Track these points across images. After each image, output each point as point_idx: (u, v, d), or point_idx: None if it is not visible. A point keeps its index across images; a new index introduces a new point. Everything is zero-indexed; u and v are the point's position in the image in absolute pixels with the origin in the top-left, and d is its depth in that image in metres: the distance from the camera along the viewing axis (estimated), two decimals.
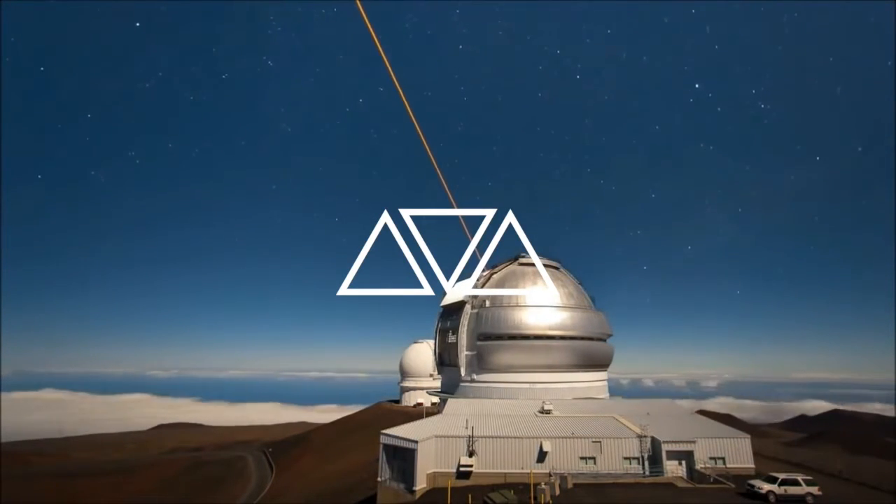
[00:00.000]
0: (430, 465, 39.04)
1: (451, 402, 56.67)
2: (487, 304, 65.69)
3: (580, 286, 71.38)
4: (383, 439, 41.10)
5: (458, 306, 68.11)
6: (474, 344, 64.23)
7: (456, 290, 69.03)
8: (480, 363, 63.53)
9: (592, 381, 64.07)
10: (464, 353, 65.38)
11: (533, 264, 68.82)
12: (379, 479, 40.48)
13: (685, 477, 39.83)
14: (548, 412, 50.33)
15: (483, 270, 69.37)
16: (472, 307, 66.64)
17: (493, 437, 40.85)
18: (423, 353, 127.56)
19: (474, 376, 64.16)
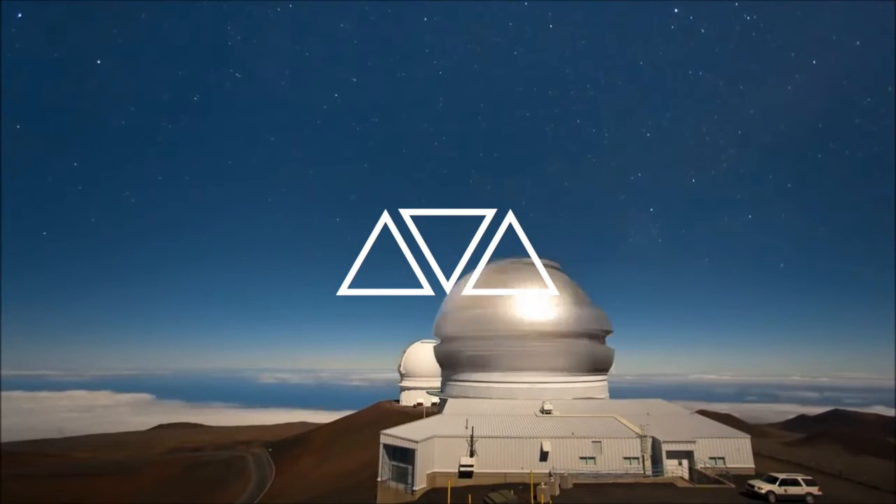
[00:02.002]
0: (430, 465, 39.04)
1: (451, 402, 56.68)
2: (481, 304, 65.65)
3: (580, 286, 71.37)
4: (383, 439, 41.10)
5: (453, 310, 68.13)
6: (469, 345, 64.29)
7: (454, 295, 69.23)
8: (477, 364, 63.54)
9: (591, 381, 64.06)
10: (460, 354, 65.42)
11: (526, 264, 68.89)
12: (379, 479, 40.47)
13: (685, 477, 39.83)
14: (548, 412, 50.33)
15: (482, 270, 69.46)
16: (467, 308, 66.64)
17: (493, 438, 40.85)
18: (422, 354, 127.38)
19: (472, 377, 64.17)
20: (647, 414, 48.95)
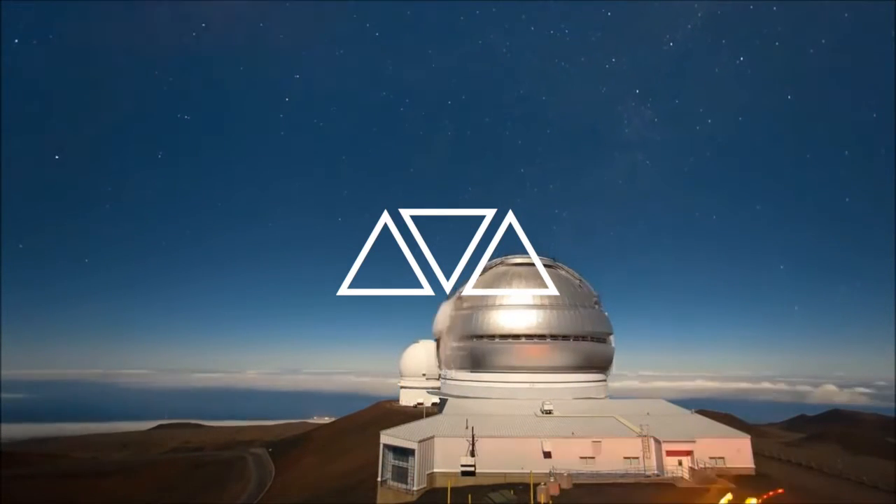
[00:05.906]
0: (429, 465, 39.07)
1: (452, 402, 56.73)
2: (481, 304, 65.56)
3: (580, 283, 71.06)
4: (383, 439, 41.15)
5: (453, 310, 68.01)
6: (465, 345, 64.31)
7: (452, 295, 69.23)
8: (476, 364, 63.52)
9: (590, 381, 64.01)
10: (457, 355, 65.44)
11: (525, 264, 68.82)
12: (379, 479, 40.51)
13: (686, 477, 39.81)
14: (548, 412, 50.33)
15: (482, 271, 69.46)
16: (466, 308, 66.63)
17: (493, 437, 40.86)
18: (421, 354, 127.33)
19: (472, 377, 64.16)
20: (647, 414, 48.95)
